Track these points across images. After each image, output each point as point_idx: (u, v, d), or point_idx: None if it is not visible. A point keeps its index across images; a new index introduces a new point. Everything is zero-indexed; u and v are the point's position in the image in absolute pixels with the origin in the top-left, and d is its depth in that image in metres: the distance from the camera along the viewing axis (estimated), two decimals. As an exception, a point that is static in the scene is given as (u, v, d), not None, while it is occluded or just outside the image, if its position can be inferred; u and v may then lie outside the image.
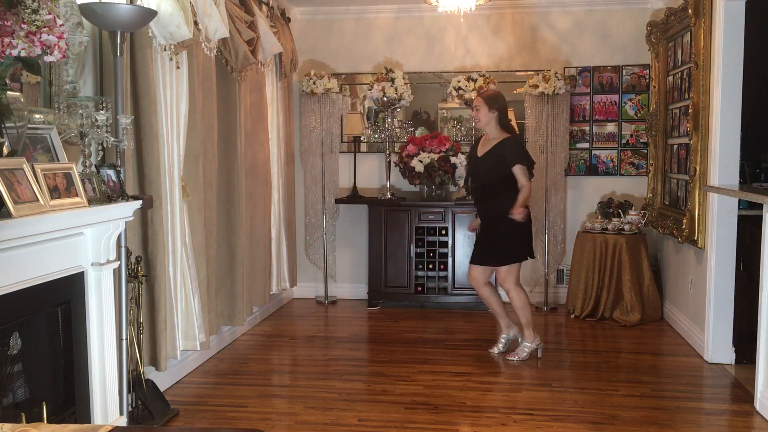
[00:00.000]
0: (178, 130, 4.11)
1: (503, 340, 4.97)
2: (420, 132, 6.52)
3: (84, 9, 2.97)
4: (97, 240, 2.96)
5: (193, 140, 4.23)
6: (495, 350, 4.94)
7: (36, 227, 2.52)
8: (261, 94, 5.52)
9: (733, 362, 4.66)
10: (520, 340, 4.89)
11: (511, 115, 6.18)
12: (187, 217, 4.23)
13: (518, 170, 4.66)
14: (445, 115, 6.62)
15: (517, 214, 4.60)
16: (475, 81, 6.07)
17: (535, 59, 6.44)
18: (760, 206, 4.02)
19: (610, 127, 6.43)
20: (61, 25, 2.56)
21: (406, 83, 6.20)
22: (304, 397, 4.09)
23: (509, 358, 4.79)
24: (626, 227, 5.87)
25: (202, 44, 4.23)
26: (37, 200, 2.51)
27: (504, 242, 4.76)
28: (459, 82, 6.12)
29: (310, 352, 5.13)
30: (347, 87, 6.64)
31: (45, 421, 2.57)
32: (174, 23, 3.67)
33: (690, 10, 4.86)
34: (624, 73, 6.37)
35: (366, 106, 6.63)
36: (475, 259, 4.88)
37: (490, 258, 4.82)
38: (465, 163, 6.28)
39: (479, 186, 4.86)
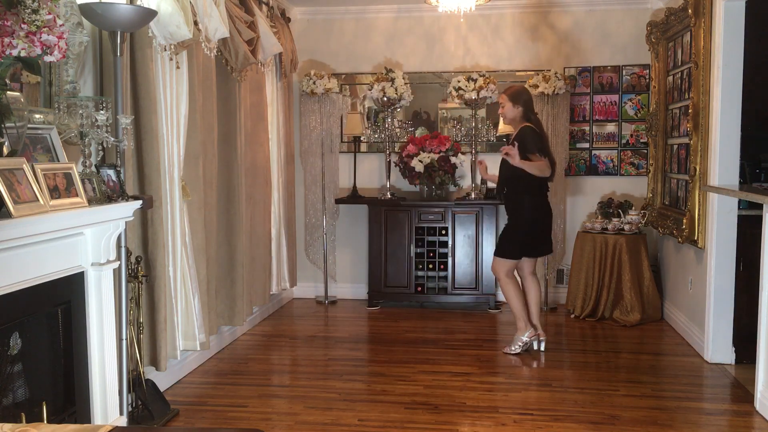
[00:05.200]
0: (178, 130, 4.11)
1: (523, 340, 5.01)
2: (420, 132, 6.52)
3: (84, 9, 2.97)
4: (97, 240, 2.96)
5: (193, 140, 4.23)
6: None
7: (36, 227, 2.52)
8: (261, 94, 5.52)
9: (733, 362, 4.66)
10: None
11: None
12: (187, 217, 4.23)
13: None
14: (445, 115, 6.62)
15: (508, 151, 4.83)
16: (475, 81, 6.06)
17: (535, 59, 6.44)
18: (760, 206, 4.02)
19: (610, 127, 6.43)
20: (61, 25, 2.56)
21: (406, 83, 6.20)
22: (304, 397, 4.09)
23: (504, 351, 4.96)
24: (626, 227, 5.87)
25: (202, 44, 4.22)
26: (37, 200, 2.51)
27: (503, 235, 5.05)
28: (459, 82, 6.11)
29: (310, 352, 5.13)
30: (347, 87, 6.64)
31: (45, 421, 2.56)
32: (174, 23, 3.67)
33: (690, 10, 4.86)
34: (624, 73, 6.37)
35: (366, 106, 6.63)
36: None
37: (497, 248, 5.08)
38: (464, 162, 6.31)
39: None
